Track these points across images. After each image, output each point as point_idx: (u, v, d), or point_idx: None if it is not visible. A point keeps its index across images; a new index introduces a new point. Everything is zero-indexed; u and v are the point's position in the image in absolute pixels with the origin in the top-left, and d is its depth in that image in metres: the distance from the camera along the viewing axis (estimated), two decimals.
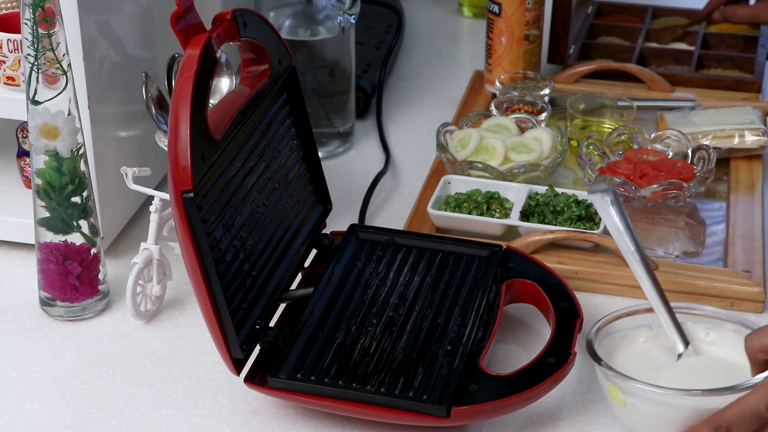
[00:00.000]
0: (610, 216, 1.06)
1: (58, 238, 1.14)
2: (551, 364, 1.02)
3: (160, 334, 1.16)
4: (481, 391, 1.00)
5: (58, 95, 1.08)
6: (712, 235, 1.29)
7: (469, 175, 1.33)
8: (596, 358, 1.02)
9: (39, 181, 1.12)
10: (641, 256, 1.06)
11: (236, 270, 1.04)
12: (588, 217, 1.26)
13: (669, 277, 1.19)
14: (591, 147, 1.36)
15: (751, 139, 1.40)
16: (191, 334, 1.16)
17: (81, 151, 1.12)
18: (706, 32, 1.70)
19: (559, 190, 1.29)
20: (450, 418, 0.99)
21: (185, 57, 0.98)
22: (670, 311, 1.05)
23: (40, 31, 1.05)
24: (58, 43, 1.06)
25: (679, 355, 1.04)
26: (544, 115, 1.44)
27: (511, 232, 1.26)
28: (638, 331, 1.07)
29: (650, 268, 1.05)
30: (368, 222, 1.34)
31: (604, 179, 1.28)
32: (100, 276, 1.18)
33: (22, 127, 1.30)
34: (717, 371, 1.03)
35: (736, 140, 1.40)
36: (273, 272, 1.10)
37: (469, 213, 1.27)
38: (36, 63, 1.06)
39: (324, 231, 1.22)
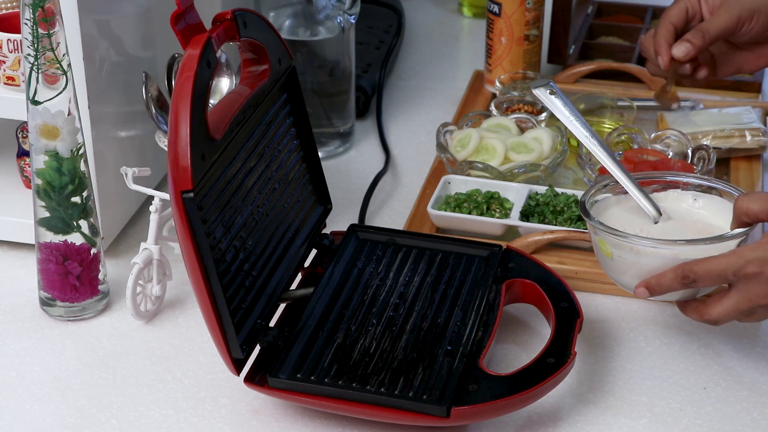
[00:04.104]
0: (557, 106, 1.14)
1: (58, 238, 1.14)
2: (551, 364, 1.02)
3: (160, 334, 1.16)
4: (481, 391, 1.00)
5: (58, 95, 1.08)
6: None
7: (469, 175, 1.33)
8: (587, 214, 1.09)
9: (39, 181, 1.12)
10: (596, 138, 1.13)
11: (236, 270, 1.04)
12: None
13: None
14: None
15: (751, 139, 1.40)
16: (191, 334, 1.16)
17: (81, 151, 1.12)
18: None
19: (559, 190, 1.29)
20: (450, 418, 0.99)
21: (185, 57, 0.98)
22: (636, 185, 1.11)
23: (40, 31, 1.05)
24: (58, 43, 1.06)
25: (656, 222, 1.11)
26: (544, 115, 1.44)
27: (511, 232, 1.26)
28: (629, 197, 1.12)
29: (608, 148, 1.13)
30: (368, 222, 1.34)
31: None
32: (100, 276, 1.18)
33: (22, 127, 1.30)
34: (701, 233, 1.09)
35: (736, 140, 1.40)
36: (273, 272, 1.10)
37: (469, 213, 1.27)
38: (36, 63, 1.06)
39: (324, 231, 1.22)
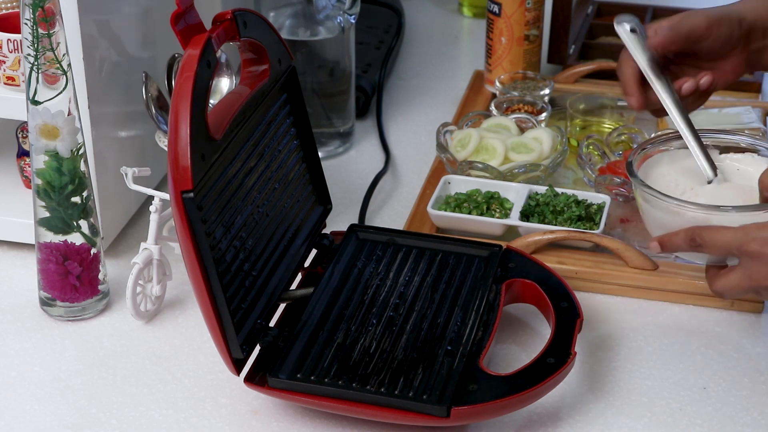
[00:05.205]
0: (633, 46, 1.10)
1: (58, 238, 1.14)
2: (551, 364, 1.02)
3: (160, 334, 1.16)
4: (481, 391, 1.00)
5: (58, 95, 1.08)
6: None
7: (469, 175, 1.33)
8: (632, 174, 1.09)
9: (39, 181, 1.12)
10: (666, 84, 1.10)
11: (236, 270, 1.04)
12: (588, 217, 1.26)
13: (669, 278, 1.19)
14: (591, 147, 1.36)
15: None
16: (191, 334, 1.16)
17: (81, 151, 1.12)
18: None
19: (559, 190, 1.29)
20: (450, 418, 0.99)
21: (185, 57, 0.98)
22: (698, 139, 1.10)
23: (40, 31, 1.05)
24: (58, 43, 1.06)
25: (709, 182, 1.10)
26: (544, 115, 1.44)
27: (511, 232, 1.26)
28: (683, 154, 1.12)
29: (677, 97, 1.10)
30: (368, 222, 1.34)
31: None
32: (100, 276, 1.18)
33: (22, 127, 1.30)
34: (754, 200, 1.07)
35: None
36: (273, 272, 1.10)
37: (469, 213, 1.27)
38: (36, 63, 1.06)
39: (324, 231, 1.22)
